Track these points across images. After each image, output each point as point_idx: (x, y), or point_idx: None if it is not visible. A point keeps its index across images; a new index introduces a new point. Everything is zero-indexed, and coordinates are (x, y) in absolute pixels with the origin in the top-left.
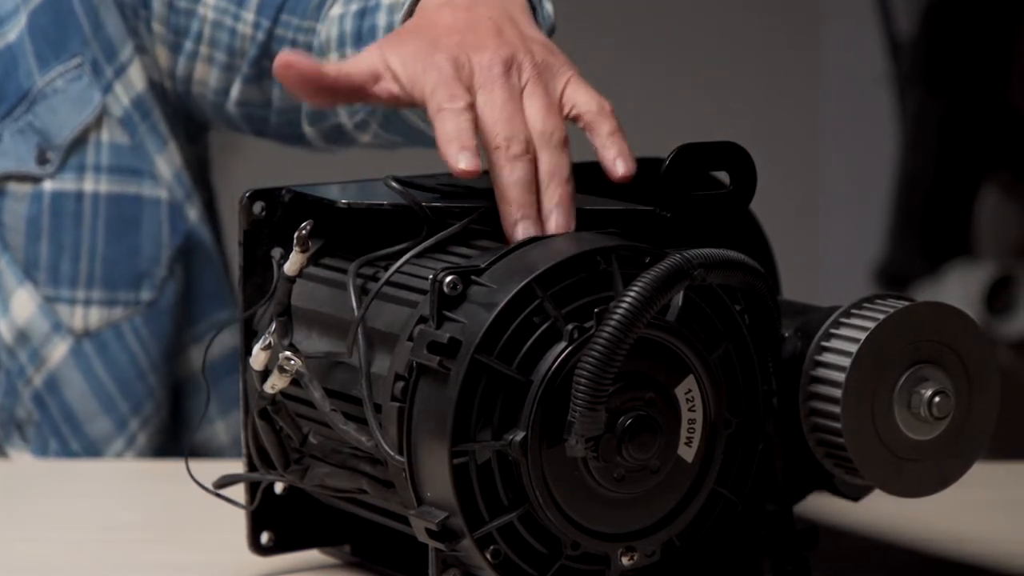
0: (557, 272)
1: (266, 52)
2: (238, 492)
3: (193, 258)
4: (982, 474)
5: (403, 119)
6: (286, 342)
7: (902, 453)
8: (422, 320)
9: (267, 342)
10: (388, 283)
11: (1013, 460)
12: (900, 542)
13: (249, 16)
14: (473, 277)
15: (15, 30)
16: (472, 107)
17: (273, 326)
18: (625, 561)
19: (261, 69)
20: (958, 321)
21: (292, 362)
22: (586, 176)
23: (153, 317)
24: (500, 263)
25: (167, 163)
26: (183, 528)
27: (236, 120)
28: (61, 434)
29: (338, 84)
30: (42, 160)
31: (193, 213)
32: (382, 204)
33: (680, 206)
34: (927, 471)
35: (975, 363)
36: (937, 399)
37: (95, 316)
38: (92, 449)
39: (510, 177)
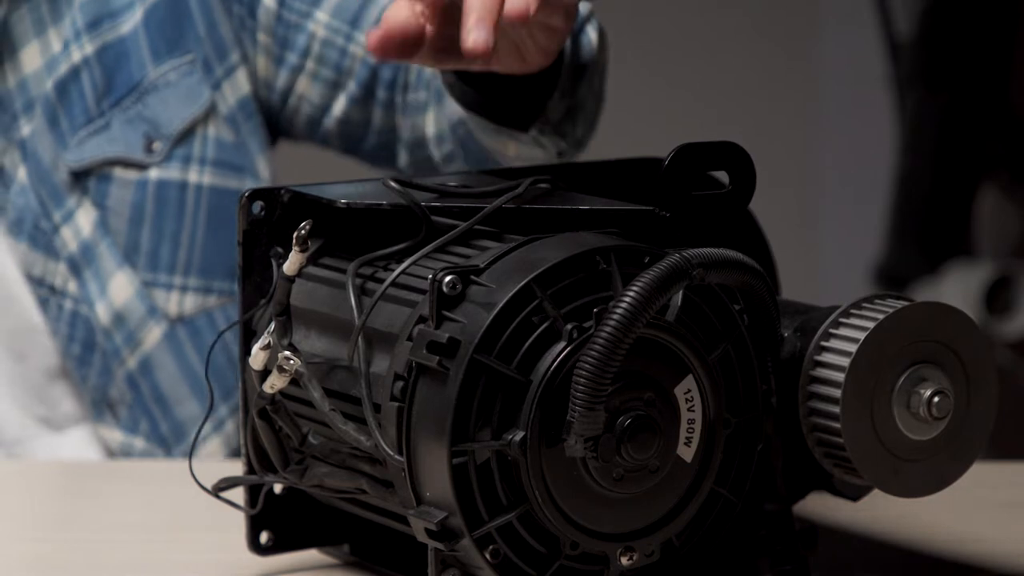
0: (556, 272)
1: (375, 74)
2: (238, 493)
3: None
4: (981, 474)
5: (483, 149)
6: (285, 342)
7: (901, 453)
8: (421, 320)
9: (266, 342)
10: (388, 284)
11: (1012, 460)
12: (899, 542)
13: (363, 38)
14: (472, 277)
15: (129, 23)
16: None
17: (272, 326)
18: (624, 561)
19: (368, 91)
20: (957, 321)
21: (291, 362)
22: (586, 176)
23: None
24: (499, 263)
25: (267, 164)
26: (183, 528)
27: (330, 136)
28: (152, 415)
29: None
30: (149, 149)
31: None
32: (381, 204)
33: (679, 206)
34: (926, 471)
35: (974, 363)
36: (936, 399)
37: (190, 303)
38: (180, 431)
39: None
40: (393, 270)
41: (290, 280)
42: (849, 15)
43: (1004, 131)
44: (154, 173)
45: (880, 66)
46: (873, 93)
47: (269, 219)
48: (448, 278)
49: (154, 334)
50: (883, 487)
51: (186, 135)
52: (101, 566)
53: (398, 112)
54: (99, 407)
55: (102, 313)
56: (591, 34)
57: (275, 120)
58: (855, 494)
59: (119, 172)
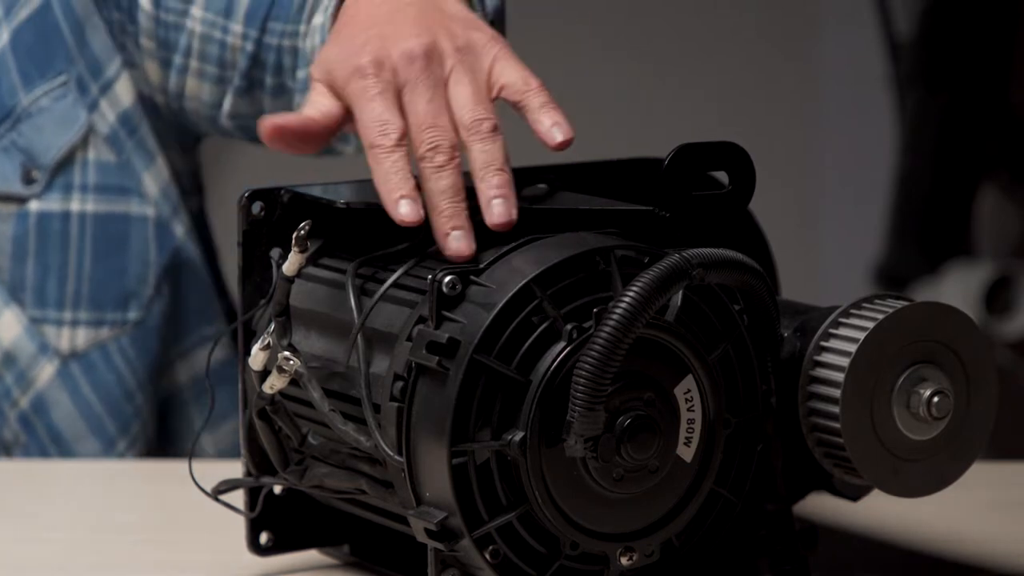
0: (556, 272)
1: (256, 62)
2: (237, 495)
3: (180, 275)
4: (981, 474)
5: None
6: (285, 342)
7: (901, 453)
8: (421, 320)
9: (266, 342)
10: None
11: (1012, 460)
12: (899, 542)
13: (237, 28)
14: (472, 277)
15: None
16: (403, 138)
17: (272, 326)
18: (624, 561)
19: (252, 80)
20: (957, 321)
21: (291, 362)
22: (586, 176)
23: (140, 336)
24: (499, 263)
25: (154, 179)
26: (183, 528)
27: (231, 131)
28: (49, 455)
29: (329, 128)
30: (28, 180)
31: (180, 229)
32: (380, 204)
33: (679, 206)
34: (926, 471)
35: (974, 363)
36: (936, 399)
37: (82, 337)
38: None
39: (436, 187)
40: (393, 270)
41: (290, 280)
42: (849, 15)
43: (1004, 131)
44: (34, 205)
45: (880, 66)
46: (873, 93)
47: (269, 219)
48: (448, 278)
49: (46, 372)
50: (883, 487)
51: (65, 163)
52: (100, 566)
53: (295, 94)
54: None
55: None
56: None
57: (181, 123)
58: (855, 494)
59: None
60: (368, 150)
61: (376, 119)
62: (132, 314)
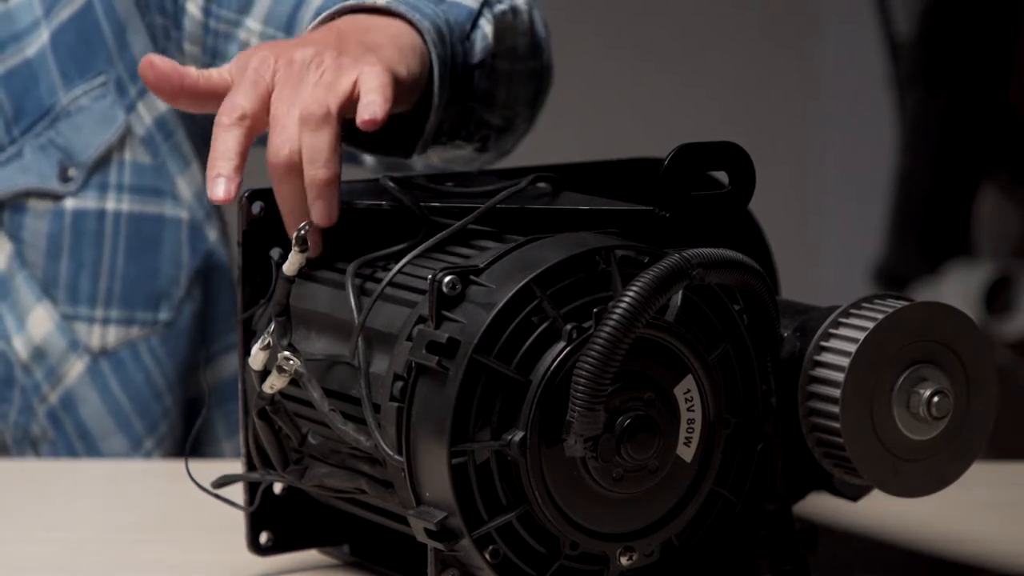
0: (556, 272)
1: None
2: (237, 493)
3: (212, 278)
4: (981, 474)
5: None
6: (285, 342)
7: (901, 453)
8: (421, 320)
9: (266, 342)
10: (387, 283)
11: (1012, 460)
12: (899, 542)
13: None
14: (472, 277)
15: (34, 45)
16: (243, 118)
17: (272, 326)
18: (624, 561)
19: None
20: (957, 321)
21: (291, 362)
22: (586, 176)
23: (170, 337)
24: (499, 263)
25: (188, 183)
26: (183, 528)
27: None
28: (76, 452)
29: (197, 88)
30: (64, 177)
31: (213, 233)
32: (380, 204)
33: (679, 206)
34: (926, 471)
35: (974, 363)
36: (936, 399)
37: (112, 335)
38: None
39: (279, 197)
40: (392, 270)
41: (290, 280)
42: (849, 15)
43: (1004, 131)
44: (70, 203)
45: (880, 66)
46: (873, 93)
47: (269, 219)
48: (448, 278)
49: (76, 368)
50: (883, 487)
51: (101, 162)
52: (101, 566)
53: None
54: (21, 445)
55: (20, 348)
56: (485, 28)
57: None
58: (855, 494)
59: (34, 203)
60: (214, 129)
61: (228, 102)
62: (163, 315)
